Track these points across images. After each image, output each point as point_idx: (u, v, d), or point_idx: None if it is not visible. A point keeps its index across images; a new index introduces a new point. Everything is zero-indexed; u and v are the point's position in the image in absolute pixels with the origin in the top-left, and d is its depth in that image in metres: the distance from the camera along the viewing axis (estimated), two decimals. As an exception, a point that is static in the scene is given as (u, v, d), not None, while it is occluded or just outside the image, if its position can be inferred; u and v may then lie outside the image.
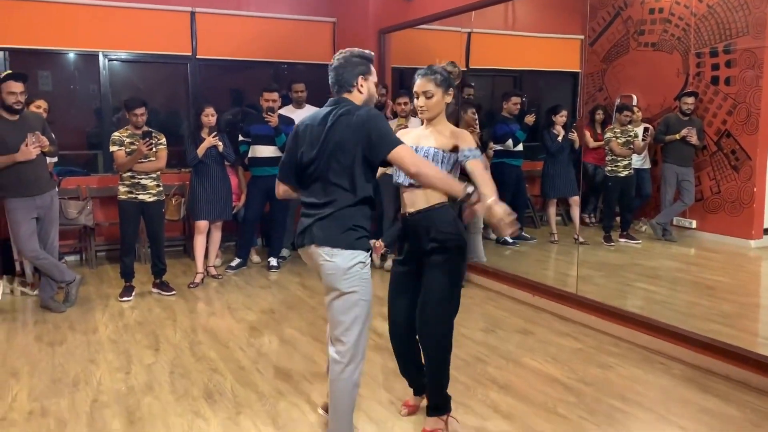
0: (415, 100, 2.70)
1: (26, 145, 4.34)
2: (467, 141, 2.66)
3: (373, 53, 2.60)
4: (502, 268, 5.50)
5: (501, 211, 2.31)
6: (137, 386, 3.34)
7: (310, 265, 2.54)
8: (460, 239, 2.72)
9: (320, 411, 2.95)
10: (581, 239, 6.16)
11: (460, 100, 6.16)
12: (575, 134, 6.29)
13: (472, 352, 3.83)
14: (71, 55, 6.46)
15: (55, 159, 5.34)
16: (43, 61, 6.36)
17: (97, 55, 6.37)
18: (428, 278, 2.71)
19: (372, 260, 2.74)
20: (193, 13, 6.64)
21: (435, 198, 2.69)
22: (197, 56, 6.74)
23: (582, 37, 6.71)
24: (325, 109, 2.49)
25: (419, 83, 2.68)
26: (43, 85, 6.73)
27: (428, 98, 2.66)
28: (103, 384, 3.37)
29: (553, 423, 2.95)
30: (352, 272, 2.40)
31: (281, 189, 2.63)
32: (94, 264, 6.08)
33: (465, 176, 2.74)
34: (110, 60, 6.44)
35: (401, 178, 2.71)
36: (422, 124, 2.82)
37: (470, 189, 2.36)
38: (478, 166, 2.58)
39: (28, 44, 6.08)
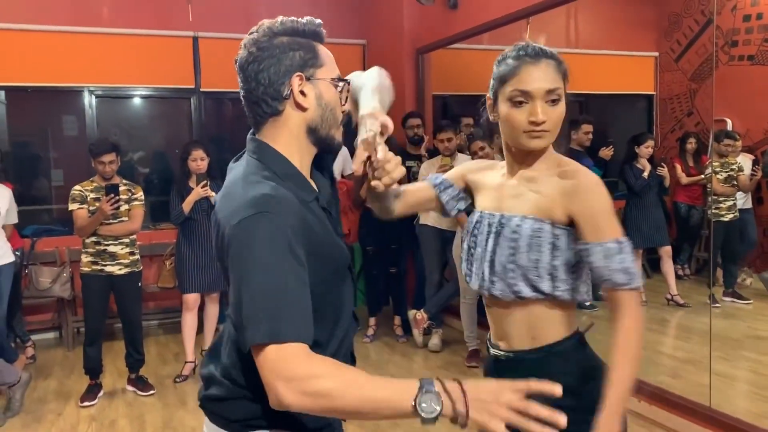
0: (508, 108, 1.34)
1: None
2: (598, 215, 1.30)
3: (318, 21, 1.28)
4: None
5: None
6: None
7: None
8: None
9: None
10: (681, 300, 4.86)
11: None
12: (665, 169, 5.06)
13: None
14: (51, 92, 5.49)
15: (13, 220, 4.31)
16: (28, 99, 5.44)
17: (82, 91, 5.37)
18: None
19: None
20: (195, 39, 5.61)
21: (553, 328, 1.38)
22: (201, 89, 5.69)
23: (656, 54, 5.75)
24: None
25: (540, 74, 1.32)
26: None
27: (554, 104, 1.33)
28: None
29: None
30: None
31: None
32: (71, 344, 4.96)
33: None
34: (97, 96, 5.44)
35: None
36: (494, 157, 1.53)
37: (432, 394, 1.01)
38: (631, 315, 1.28)
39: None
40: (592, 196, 1.30)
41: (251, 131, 1.29)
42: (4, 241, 4.06)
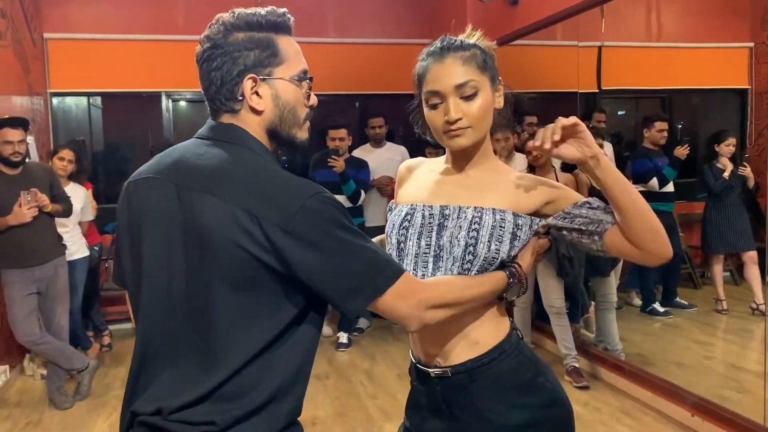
0: (427, 111, 1.32)
1: (19, 206, 3.56)
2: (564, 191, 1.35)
3: (282, 11, 1.21)
4: (645, 355, 3.97)
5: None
6: None
7: None
8: (557, 410, 1.30)
9: None
10: (762, 308, 4.50)
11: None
12: (747, 168, 4.69)
13: None
14: (138, 96, 5.85)
15: (88, 218, 4.62)
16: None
17: (160, 96, 5.69)
18: None
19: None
20: (265, 43, 5.80)
21: (496, 327, 1.31)
22: (271, 92, 5.88)
23: (752, 44, 5.34)
24: (178, 152, 1.23)
25: (445, 68, 1.28)
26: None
27: (468, 99, 1.28)
28: None
29: None
30: None
31: None
32: (144, 335, 5.26)
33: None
34: (174, 100, 5.75)
35: None
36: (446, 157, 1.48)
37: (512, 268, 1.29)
38: None
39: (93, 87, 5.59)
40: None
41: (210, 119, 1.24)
42: (80, 236, 4.37)
